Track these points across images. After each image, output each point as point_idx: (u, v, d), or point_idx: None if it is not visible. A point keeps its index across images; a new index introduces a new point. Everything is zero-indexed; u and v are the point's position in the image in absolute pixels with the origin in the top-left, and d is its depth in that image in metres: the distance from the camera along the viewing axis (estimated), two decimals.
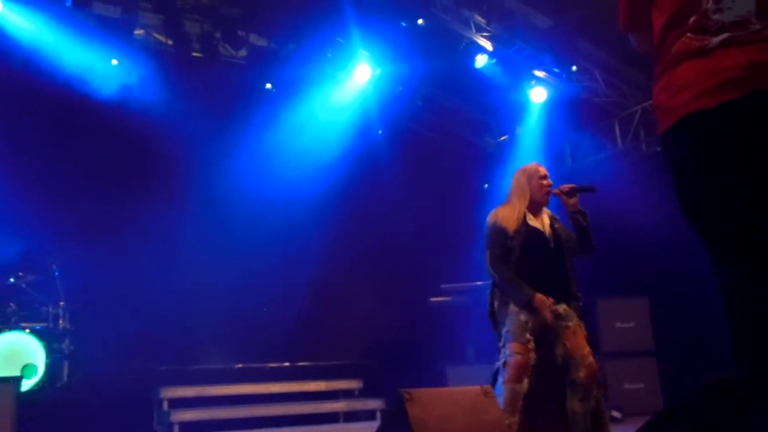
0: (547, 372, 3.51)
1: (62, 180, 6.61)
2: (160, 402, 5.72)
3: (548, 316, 3.43)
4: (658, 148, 7.60)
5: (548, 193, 3.72)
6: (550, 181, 3.76)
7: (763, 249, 1.86)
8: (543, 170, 3.79)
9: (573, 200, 3.74)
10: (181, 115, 6.75)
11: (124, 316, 6.05)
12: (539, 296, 3.45)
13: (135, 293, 6.33)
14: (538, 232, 3.67)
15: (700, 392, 3.10)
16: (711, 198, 1.88)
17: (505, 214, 3.68)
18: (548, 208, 3.84)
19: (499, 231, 3.63)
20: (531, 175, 3.77)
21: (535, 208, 3.73)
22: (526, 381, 3.39)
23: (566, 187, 3.77)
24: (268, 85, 7.76)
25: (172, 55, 7.06)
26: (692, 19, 1.90)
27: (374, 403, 6.36)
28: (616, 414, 6.61)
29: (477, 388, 3.08)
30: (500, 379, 3.41)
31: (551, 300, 3.49)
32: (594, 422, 3.44)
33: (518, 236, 3.60)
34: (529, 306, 3.47)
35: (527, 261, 3.59)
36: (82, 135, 6.77)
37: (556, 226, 3.76)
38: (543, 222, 3.73)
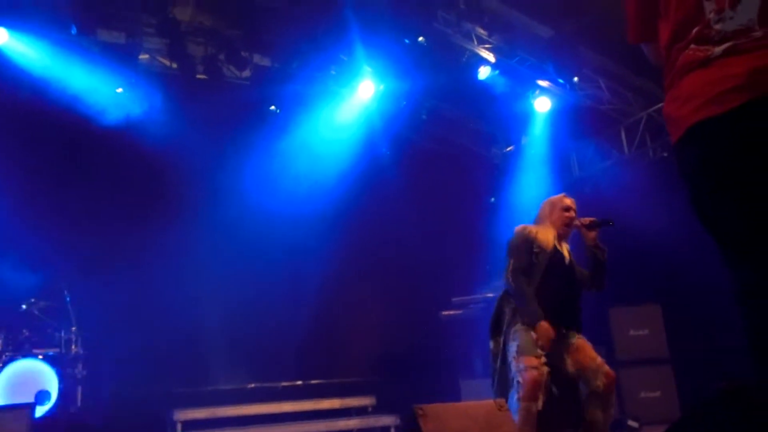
0: (556, 388, 3.50)
1: (73, 206, 6.65)
2: (173, 425, 5.71)
3: (546, 345, 3.43)
4: (665, 154, 7.59)
5: (569, 225, 3.72)
6: (572, 213, 3.77)
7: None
8: (568, 201, 3.82)
9: (593, 234, 3.72)
10: (187, 137, 6.79)
11: (136, 340, 6.05)
12: (544, 324, 3.45)
13: (146, 316, 6.34)
14: (562, 259, 3.69)
15: (716, 399, 3.07)
16: (724, 206, 1.89)
17: (538, 230, 3.71)
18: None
19: (528, 241, 3.65)
20: (554, 205, 3.82)
21: (559, 238, 3.76)
22: (540, 398, 3.38)
23: (587, 220, 3.75)
24: (273, 107, 7.81)
25: (177, 78, 7.10)
26: (695, 29, 1.91)
27: (388, 420, 6.32)
28: (632, 423, 6.55)
29: (491, 402, 3.07)
30: (515, 396, 3.39)
31: (554, 333, 3.49)
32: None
33: (544, 256, 3.61)
34: (532, 326, 3.47)
35: (549, 285, 3.61)
36: (90, 161, 6.83)
37: (573, 258, 3.79)
38: (565, 251, 3.75)
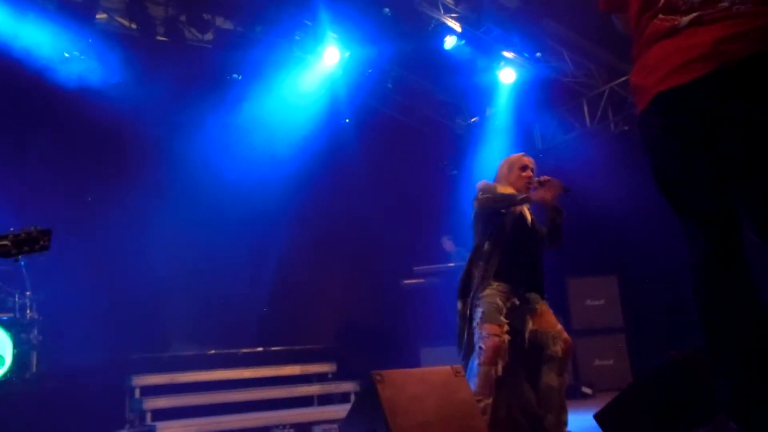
0: (514, 353, 3.56)
1: (28, 169, 6.47)
2: (132, 390, 5.67)
3: (550, 195, 3.49)
4: (626, 128, 7.70)
5: (528, 185, 3.66)
6: (530, 173, 3.71)
7: (727, 225, 1.90)
8: (526, 160, 3.75)
9: (549, 195, 3.59)
10: (147, 101, 6.63)
11: (94, 305, 5.96)
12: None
13: (104, 281, 6.24)
14: (525, 221, 3.68)
15: (666, 366, 3.17)
16: (682, 175, 1.92)
17: (501, 190, 3.67)
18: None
19: (495, 186, 3.64)
20: (512, 165, 3.76)
21: None
22: (500, 363, 3.43)
23: (544, 178, 3.64)
24: (235, 75, 7.67)
25: (136, 39, 6.91)
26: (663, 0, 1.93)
27: (348, 386, 6.38)
28: (587, 390, 6.74)
29: (448, 368, 3.10)
30: (475, 361, 3.44)
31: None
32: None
33: (509, 218, 3.61)
34: (526, 201, 3.54)
35: (513, 248, 3.61)
36: (45, 123, 6.63)
37: (534, 219, 3.78)
38: (527, 213, 3.74)
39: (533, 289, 3.69)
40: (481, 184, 3.70)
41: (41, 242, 3.13)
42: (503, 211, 3.61)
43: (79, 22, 6.50)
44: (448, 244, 7.93)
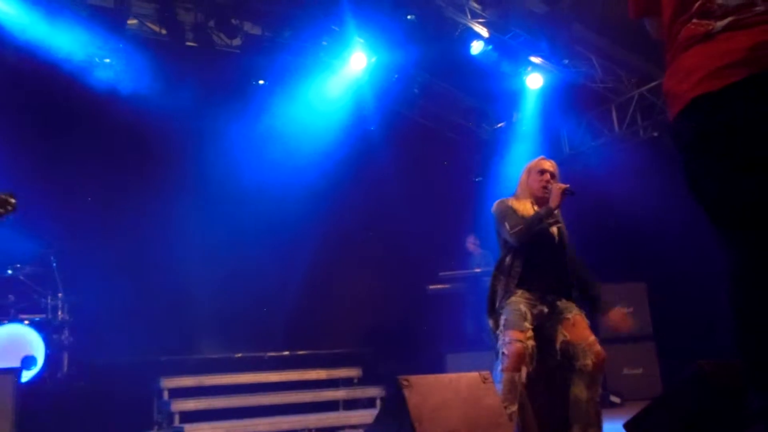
0: (546, 363, 3.51)
1: (59, 172, 6.59)
2: (160, 392, 5.73)
3: (557, 199, 3.48)
4: (656, 134, 7.60)
5: (544, 189, 3.62)
6: (547, 176, 3.66)
7: (759, 240, 1.86)
8: (544, 164, 3.71)
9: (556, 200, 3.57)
10: (175, 105, 6.71)
11: (123, 307, 6.05)
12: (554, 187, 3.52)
13: (134, 284, 6.33)
14: (545, 229, 3.63)
15: (696, 376, 3.13)
16: (718, 183, 1.88)
17: (515, 204, 3.64)
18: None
19: (511, 207, 3.61)
20: (530, 170, 3.73)
21: (540, 203, 3.65)
22: (524, 370, 3.38)
23: (559, 186, 3.58)
24: (261, 81, 7.74)
25: (165, 44, 7.01)
26: (698, 3, 1.90)
27: (374, 391, 6.37)
28: (615, 399, 6.65)
29: (475, 374, 3.09)
30: (498, 367, 3.41)
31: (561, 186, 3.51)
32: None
33: None
34: (550, 211, 3.50)
35: (536, 257, 3.58)
36: (77, 126, 6.75)
37: (559, 222, 3.70)
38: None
39: (566, 297, 3.61)
40: (496, 214, 3.65)
41: (7, 206, 3.18)
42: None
43: (111, 27, 6.61)
44: (471, 245, 7.91)
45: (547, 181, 3.64)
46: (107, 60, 6.89)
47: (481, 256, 7.85)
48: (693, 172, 1.96)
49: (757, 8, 1.83)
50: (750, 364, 1.85)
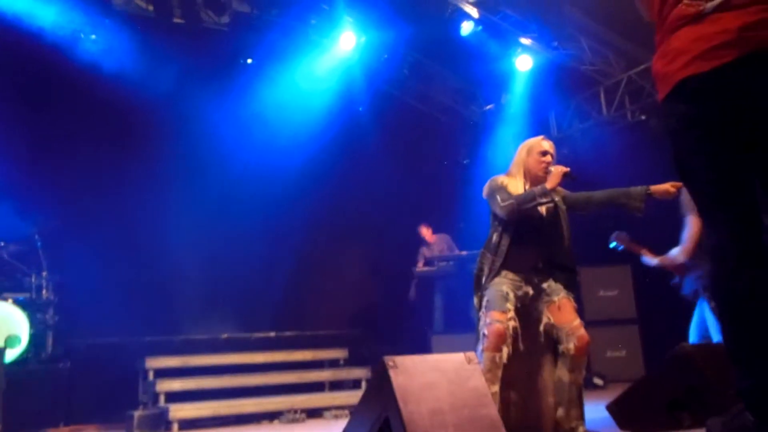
0: (529, 345, 3.53)
1: (44, 150, 6.52)
2: (145, 372, 5.71)
3: (556, 180, 3.45)
4: (643, 117, 7.61)
5: (546, 170, 3.58)
6: (549, 158, 3.63)
7: (748, 216, 1.87)
8: (546, 145, 3.67)
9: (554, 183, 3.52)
10: (162, 83, 6.64)
11: (108, 287, 6.01)
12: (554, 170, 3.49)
13: (120, 264, 6.30)
14: (533, 210, 3.60)
15: (678, 357, 3.16)
16: (704, 163, 1.89)
17: (508, 183, 3.61)
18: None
19: (502, 185, 3.58)
20: (531, 149, 3.69)
21: (535, 183, 3.61)
22: (505, 350, 3.39)
23: (561, 168, 3.53)
24: (249, 60, 7.66)
25: (152, 21, 6.91)
26: None
27: (360, 372, 6.40)
28: (598, 381, 6.73)
29: (461, 355, 3.09)
30: (480, 347, 3.42)
31: (562, 169, 3.49)
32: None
33: None
34: (546, 191, 3.45)
35: (524, 238, 3.56)
36: (62, 102, 6.66)
37: (557, 198, 3.64)
38: None
39: (558, 276, 3.60)
40: (488, 188, 3.62)
41: None
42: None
43: (97, 2, 6.51)
44: (425, 233, 7.93)
45: (548, 163, 3.61)
46: (93, 36, 6.79)
47: (439, 240, 7.88)
48: (680, 153, 1.96)
49: None
50: (734, 345, 1.88)
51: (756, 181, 1.89)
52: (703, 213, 1.96)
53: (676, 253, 4.61)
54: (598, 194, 3.68)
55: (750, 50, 1.78)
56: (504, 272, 3.54)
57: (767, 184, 1.88)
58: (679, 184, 3.33)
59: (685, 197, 4.74)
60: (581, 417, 3.43)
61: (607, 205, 3.67)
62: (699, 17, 1.88)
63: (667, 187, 3.46)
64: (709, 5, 1.86)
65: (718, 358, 2.88)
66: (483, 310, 3.51)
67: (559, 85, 8.22)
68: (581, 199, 3.70)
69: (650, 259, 4.87)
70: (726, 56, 1.81)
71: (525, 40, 7.73)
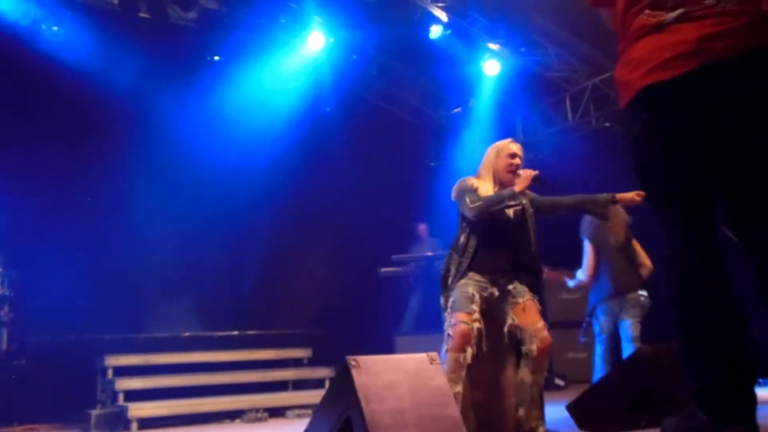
0: (493, 345, 3.56)
1: (0, 144, 6.34)
2: (104, 370, 5.61)
3: (524, 184, 3.48)
4: (607, 124, 7.75)
5: (513, 173, 3.62)
6: (518, 160, 3.66)
7: (704, 222, 1.93)
8: (513, 148, 3.70)
9: (522, 186, 3.55)
10: (126, 78, 6.54)
11: (66, 283, 5.88)
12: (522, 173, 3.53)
13: (79, 259, 6.15)
14: (503, 212, 3.63)
15: (636, 358, 3.23)
16: (662, 170, 1.94)
17: (478, 186, 3.63)
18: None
19: (471, 187, 3.60)
20: (500, 152, 3.71)
21: (503, 185, 3.64)
22: (469, 351, 3.42)
23: (530, 172, 3.57)
24: (216, 57, 7.59)
25: (117, 15, 6.79)
26: None
27: (323, 372, 6.38)
28: (559, 381, 6.83)
29: (423, 355, 3.10)
30: (444, 348, 3.45)
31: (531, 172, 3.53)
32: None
33: None
34: (514, 194, 3.48)
35: (487, 236, 3.60)
36: (19, 94, 6.47)
37: (524, 201, 3.68)
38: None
39: (523, 278, 3.64)
40: (457, 190, 3.65)
41: None
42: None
43: None
44: (422, 231, 8.00)
45: (517, 166, 3.64)
46: (54, 28, 6.64)
47: (430, 242, 7.93)
48: (640, 159, 2.01)
49: (708, 1, 1.88)
50: (687, 346, 1.93)
51: (713, 188, 1.95)
52: (661, 218, 2.01)
53: (582, 276, 5.06)
54: (566, 199, 3.76)
55: (708, 61, 1.83)
56: (470, 273, 3.57)
57: (723, 191, 1.93)
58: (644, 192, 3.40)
59: (585, 221, 4.97)
60: (542, 417, 3.47)
61: (574, 210, 3.75)
62: (660, 27, 1.93)
63: (633, 195, 3.59)
64: (670, 16, 1.91)
65: (674, 359, 2.95)
66: (449, 310, 3.54)
67: (526, 90, 8.32)
68: (549, 203, 3.76)
69: (569, 280, 5.24)
70: (685, 66, 1.86)
71: (493, 46, 7.82)
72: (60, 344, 5.77)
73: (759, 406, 1.85)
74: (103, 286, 6.22)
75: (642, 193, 3.42)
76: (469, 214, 3.56)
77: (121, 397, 5.37)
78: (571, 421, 3.55)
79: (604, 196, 3.64)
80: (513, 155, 3.68)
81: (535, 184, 3.56)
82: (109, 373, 5.58)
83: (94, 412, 5.06)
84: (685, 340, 1.93)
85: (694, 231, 1.92)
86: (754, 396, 1.84)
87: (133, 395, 5.41)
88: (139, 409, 5.19)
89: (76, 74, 6.30)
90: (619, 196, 3.60)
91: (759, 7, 1.87)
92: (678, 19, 1.90)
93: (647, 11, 1.96)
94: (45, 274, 5.80)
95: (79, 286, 5.97)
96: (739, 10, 1.85)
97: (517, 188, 3.51)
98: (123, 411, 5.14)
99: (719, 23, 1.85)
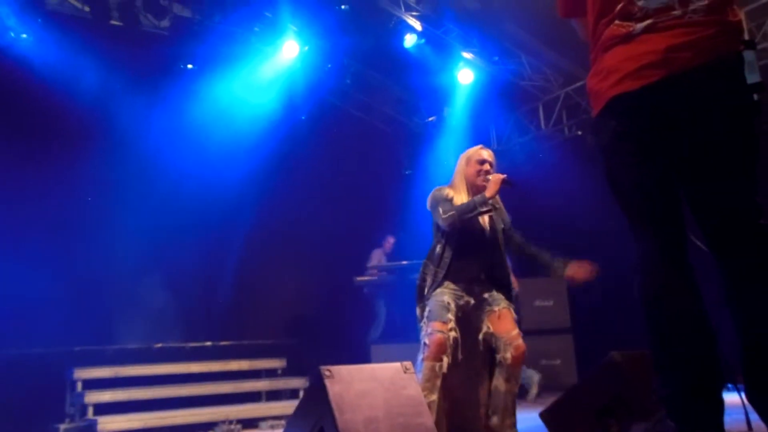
0: (468, 354, 3.56)
1: None
2: (73, 383, 5.51)
3: (494, 188, 3.49)
4: (579, 133, 7.84)
5: (484, 178, 3.62)
6: (487, 166, 3.67)
7: (674, 230, 1.95)
8: (484, 154, 3.71)
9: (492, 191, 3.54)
10: (96, 87, 6.46)
11: (33, 294, 5.76)
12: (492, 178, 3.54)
13: (46, 270, 6.02)
14: (474, 220, 3.64)
15: (608, 366, 3.25)
16: (632, 178, 1.96)
17: (453, 194, 3.64)
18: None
19: (446, 197, 3.61)
20: (469, 158, 3.72)
21: (476, 192, 3.64)
22: (445, 359, 3.42)
23: (498, 176, 3.56)
24: (190, 65, 7.53)
25: (88, 23, 6.71)
26: (620, 5, 1.97)
27: (297, 382, 6.34)
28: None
29: (397, 364, 3.09)
30: (420, 357, 3.44)
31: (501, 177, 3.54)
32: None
33: None
34: (485, 200, 3.48)
35: (468, 249, 3.60)
36: None
37: (494, 212, 3.69)
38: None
39: (496, 289, 3.64)
40: (431, 200, 3.65)
41: None
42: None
43: (28, 1, 6.28)
44: (388, 246, 8.01)
45: (487, 172, 3.65)
46: (24, 35, 6.53)
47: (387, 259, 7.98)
48: (611, 166, 2.03)
49: (675, 12, 1.91)
50: (656, 353, 1.94)
51: (682, 197, 1.97)
52: (632, 225, 2.02)
53: None
54: (531, 249, 3.78)
55: (674, 71, 1.87)
56: (446, 283, 3.57)
57: (693, 199, 1.96)
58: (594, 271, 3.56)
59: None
60: (515, 425, 3.48)
61: (533, 262, 3.78)
62: (629, 37, 1.96)
63: (582, 276, 3.63)
64: (638, 26, 1.94)
65: (644, 367, 2.97)
66: (425, 320, 3.53)
67: (500, 99, 8.39)
68: (517, 243, 3.79)
69: None
70: (653, 75, 1.89)
71: (467, 55, 7.87)
72: (26, 357, 5.64)
73: (726, 412, 1.86)
74: (71, 296, 6.09)
75: (591, 268, 3.59)
76: (443, 224, 3.57)
77: (90, 410, 5.27)
78: (545, 429, 3.55)
79: (560, 266, 3.68)
80: (482, 161, 3.69)
81: (504, 187, 3.58)
82: (78, 385, 5.49)
83: (63, 426, 4.98)
84: (654, 346, 1.95)
85: (664, 238, 1.94)
86: (721, 402, 1.86)
87: (103, 408, 5.32)
88: (109, 423, 5.10)
89: (46, 82, 6.21)
90: (568, 275, 3.65)
91: (725, 18, 1.91)
92: (646, 30, 1.93)
93: (617, 22, 1.99)
94: (11, 285, 5.67)
95: (47, 297, 5.85)
96: (706, 21, 1.89)
97: (487, 193, 3.51)
98: (92, 425, 5.04)
99: (686, 33, 1.88)
